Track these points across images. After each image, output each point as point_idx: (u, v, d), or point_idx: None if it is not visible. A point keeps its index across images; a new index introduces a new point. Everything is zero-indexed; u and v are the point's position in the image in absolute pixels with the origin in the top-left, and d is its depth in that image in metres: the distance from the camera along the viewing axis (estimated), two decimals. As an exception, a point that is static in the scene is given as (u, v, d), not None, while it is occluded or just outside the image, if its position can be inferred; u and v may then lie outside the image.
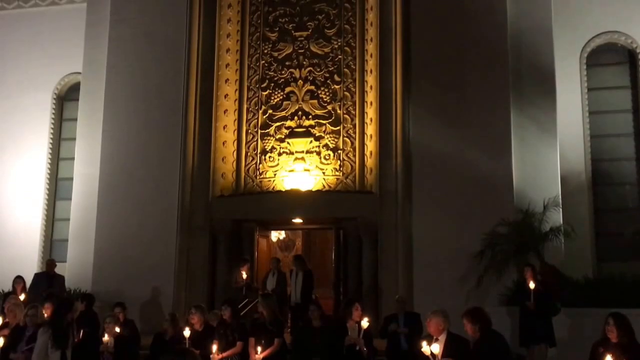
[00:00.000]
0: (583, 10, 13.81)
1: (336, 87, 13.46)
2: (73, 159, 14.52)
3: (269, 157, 13.54)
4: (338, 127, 13.34)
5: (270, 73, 13.82)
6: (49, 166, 15.91)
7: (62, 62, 15.95)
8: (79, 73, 15.04)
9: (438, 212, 11.87)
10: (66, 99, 16.49)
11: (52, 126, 16.07)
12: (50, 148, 15.95)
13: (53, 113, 16.18)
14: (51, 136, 16.01)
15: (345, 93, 13.41)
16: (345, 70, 13.47)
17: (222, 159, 13.50)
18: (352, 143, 13.22)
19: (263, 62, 13.88)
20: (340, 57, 13.53)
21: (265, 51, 13.90)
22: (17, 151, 15.89)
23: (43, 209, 15.67)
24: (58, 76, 16.25)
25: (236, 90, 13.87)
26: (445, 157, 12.02)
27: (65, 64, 15.94)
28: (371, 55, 13.10)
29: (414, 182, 12.14)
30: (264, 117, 13.70)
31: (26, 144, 15.87)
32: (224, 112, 13.65)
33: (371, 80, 13.05)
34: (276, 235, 15.43)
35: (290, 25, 13.80)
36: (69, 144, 15.63)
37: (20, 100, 16.28)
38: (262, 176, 13.56)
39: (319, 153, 13.36)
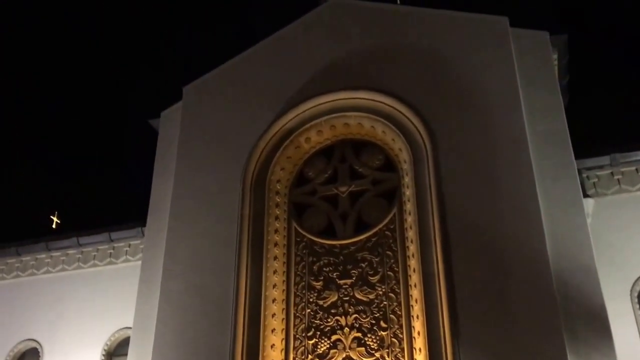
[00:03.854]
0: (627, 249, 13.87)
1: (383, 333, 13.27)
2: None
3: (317, 409, 12.97)
4: (388, 376, 12.89)
5: (316, 321, 13.80)
6: None
7: (114, 318, 16.45)
8: (129, 328, 15.30)
9: None
10: (115, 355, 16.63)
11: (99, 387, 16.02)
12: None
13: (101, 370, 16.22)
14: (97, 394, 15.88)
15: (393, 340, 13.16)
16: (391, 316, 13.37)
17: (269, 416, 12.97)
18: (404, 393, 12.64)
19: (309, 310, 13.95)
20: (385, 303, 13.53)
21: (311, 300, 14.04)
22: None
23: None
24: (109, 332, 16.63)
25: (282, 339, 13.78)
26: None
27: (116, 320, 16.41)
28: (416, 301, 13.04)
29: None
30: (311, 367, 13.40)
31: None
32: (271, 364, 13.42)
33: (418, 325, 12.83)
34: None
35: (335, 274, 14.09)
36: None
37: (71, 357, 16.52)
38: None
39: (369, 404, 12.77)
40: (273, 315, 13.90)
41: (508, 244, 12.61)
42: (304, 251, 14.59)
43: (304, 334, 13.75)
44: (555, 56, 15.28)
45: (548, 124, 13.99)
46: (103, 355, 16.43)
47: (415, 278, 13.24)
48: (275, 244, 14.61)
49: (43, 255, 18.27)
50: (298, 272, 14.42)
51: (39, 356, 17.09)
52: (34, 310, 17.78)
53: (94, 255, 17.87)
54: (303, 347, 13.64)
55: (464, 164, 13.64)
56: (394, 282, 13.67)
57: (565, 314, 12.05)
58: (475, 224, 13.00)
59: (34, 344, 17.38)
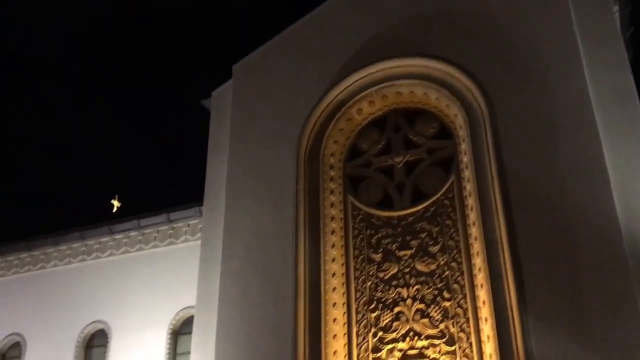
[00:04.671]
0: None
1: (447, 304, 13.01)
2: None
3: (383, 382, 12.89)
4: (453, 347, 12.64)
5: (377, 294, 13.65)
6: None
7: (177, 297, 16.74)
8: (192, 307, 15.49)
9: None
10: (180, 333, 16.93)
11: (168, 360, 16.36)
12: (165, 386, 16.09)
13: (168, 348, 16.55)
14: (166, 372, 16.23)
15: (457, 310, 12.89)
16: (455, 286, 13.09)
17: (335, 389, 12.95)
18: (471, 363, 12.41)
19: (369, 283, 13.81)
20: (447, 273, 13.26)
21: (371, 272, 13.89)
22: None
23: None
24: (173, 311, 16.93)
25: (344, 313, 13.69)
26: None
27: (180, 299, 16.69)
28: (479, 269, 12.74)
29: (543, 405, 11.00)
30: (375, 340, 13.27)
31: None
32: (334, 337, 13.37)
33: (483, 294, 12.53)
34: None
35: (394, 245, 13.87)
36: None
37: (137, 337, 16.92)
38: (376, 404, 12.80)
39: (436, 376, 12.60)
40: (334, 289, 13.82)
41: (574, 206, 12.13)
42: (362, 224, 14.41)
43: (365, 307, 13.63)
44: (616, 7, 14.48)
45: (612, 80, 13.29)
46: (169, 333, 16.75)
47: (477, 246, 12.91)
48: (332, 218, 14.49)
49: (106, 239, 18.69)
50: (356, 246, 14.27)
51: (108, 337, 17.58)
52: (100, 292, 18.25)
53: (155, 237, 18.16)
54: (365, 320, 13.53)
55: (523, 126, 13.13)
56: (455, 251, 13.38)
57: (637, 276, 11.55)
58: (538, 187, 12.54)
59: (102, 325, 17.88)
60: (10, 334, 19.08)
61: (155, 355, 16.47)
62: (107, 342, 17.60)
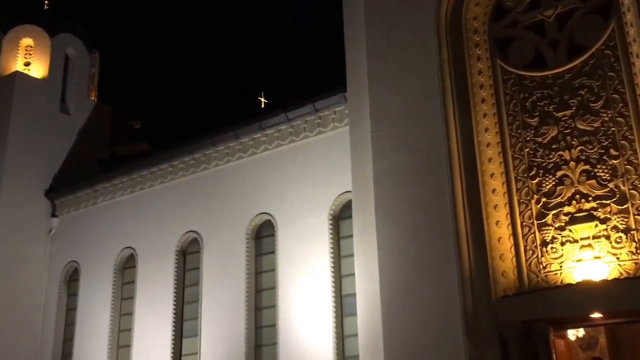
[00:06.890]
0: None
1: (615, 162, 12.23)
2: (354, 274, 14.95)
3: (551, 248, 12.57)
4: (625, 205, 11.98)
5: (537, 160, 13.09)
6: (333, 284, 16.64)
7: (333, 184, 17.06)
8: (349, 191, 15.74)
9: None
10: (340, 218, 17.41)
11: (332, 245, 16.97)
12: (332, 266, 16.76)
13: (331, 233, 17.13)
14: (331, 254, 16.87)
15: (627, 167, 12.10)
16: (622, 142, 12.22)
17: (500, 257, 12.84)
18: (646, 221, 11.72)
19: (527, 149, 13.25)
20: (613, 129, 12.36)
21: (528, 138, 13.29)
22: (301, 273, 17.00)
23: (332, 326, 16.25)
24: (331, 197, 17.34)
25: (503, 183, 13.34)
26: None
27: (336, 185, 17.01)
28: (651, 121, 11.75)
29: None
30: (538, 206, 12.88)
31: (309, 265, 16.93)
32: (494, 208, 13.13)
33: (655, 147, 11.63)
34: (574, 334, 13.98)
35: (551, 107, 13.09)
36: (348, 261, 16.28)
37: (301, 225, 17.64)
38: (546, 270, 12.57)
39: (607, 237, 12.06)
40: (490, 159, 13.43)
41: None
42: (513, 88, 13.67)
43: (525, 175, 13.17)
44: None
45: None
46: (330, 219, 17.25)
47: (646, 96, 11.86)
48: (481, 86, 13.84)
49: (258, 135, 19.19)
50: (510, 112, 13.62)
51: (274, 227, 18.47)
52: (261, 186, 19.01)
53: (304, 128, 18.39)
54: (526, 188, 13.10)
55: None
56: (620, 105, 12.38)
57: None
58: None
59: (267, 217, 18.75)
60: (188, 232, 20.64)
61: (319, 240, 17.12)
62: (274, 232, 18.49)
